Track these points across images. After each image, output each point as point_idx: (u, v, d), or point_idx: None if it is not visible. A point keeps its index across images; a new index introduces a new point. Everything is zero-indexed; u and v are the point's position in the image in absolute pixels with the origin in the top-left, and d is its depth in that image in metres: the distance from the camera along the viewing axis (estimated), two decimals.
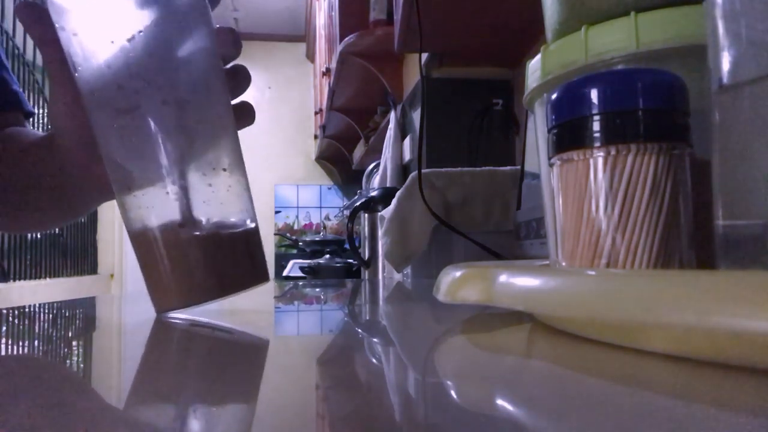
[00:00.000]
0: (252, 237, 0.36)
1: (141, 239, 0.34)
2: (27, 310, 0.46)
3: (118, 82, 0.32)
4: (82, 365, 0.23)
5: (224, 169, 0.34)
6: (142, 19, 0.33)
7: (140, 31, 0.32)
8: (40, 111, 2.74)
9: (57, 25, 0.33)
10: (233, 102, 0.39)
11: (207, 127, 0.34)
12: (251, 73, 0.40)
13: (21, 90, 0.55)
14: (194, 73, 0.34)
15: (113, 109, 0.33)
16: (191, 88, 0.34)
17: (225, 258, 0.34)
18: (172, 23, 0.33)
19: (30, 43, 2.60)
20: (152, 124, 0.33)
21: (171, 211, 0.33)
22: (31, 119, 0.57)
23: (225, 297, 0.33)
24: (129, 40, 0.32)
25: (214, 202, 0.34)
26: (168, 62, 0.33)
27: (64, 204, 0.50)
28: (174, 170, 0.33)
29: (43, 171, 0.47)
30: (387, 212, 0.86)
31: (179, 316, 0.35)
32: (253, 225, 0.36)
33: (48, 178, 0.47)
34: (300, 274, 2.33)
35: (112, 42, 0.32)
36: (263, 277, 0.35)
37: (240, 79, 0.40)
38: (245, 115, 0.41)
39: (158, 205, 0.33)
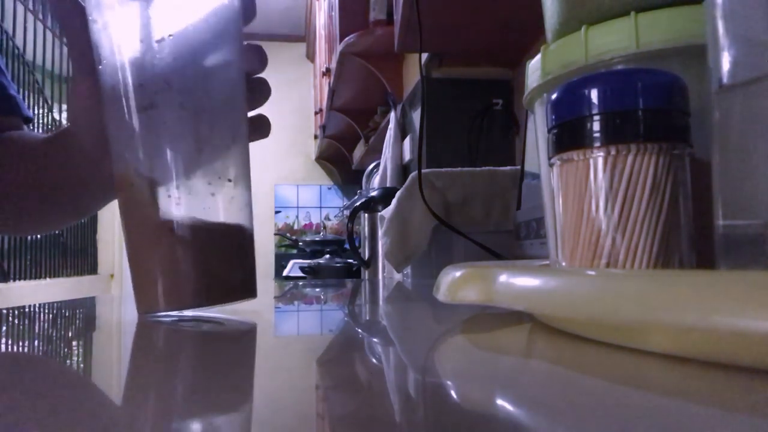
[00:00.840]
0: (246, 252, 0.35)
1: (135, 237, 0.34)
2: (27, 310, 0.46)
3: (139, 80, 0.33)
4: (82, 365, 0.23)
5: (229, 180, 0.35)
6: (174, 24, 0.33)
7: (170, 35, 0.33)
8: (40, 111, 2.74)
9: (89, 17, 0.34)
10: (250, 114, 0.40)
11: (219, 137, 0.34)
12: None
13: (19, 95, 0.55)
14: (216, 83, 0.35)
15: (130, 105, 0.33)
16: (210, 98, 0.34)
17: (216, 268, 0.33)
18: (202, 33, 0.34)
19: (30, 43, 2.60)
20: (166, 125, 0.33)
21: (170, 214, 0.33)
22: (30, 124, 0.57)
23: (209, 307, 0.33)
24: (158, 42, 0.33)
25: (215, 211, 0.34)
26: (192, 69, 0.34)
27: (68, 205, 0.50)
28: (179, 174, 0.33)
29: (45, 173, 0.47)
30: (387, 212, 0.86)
31: (180, 314, 0.34)
32: (249, 240, 0.36)
33: (49, 180, 0.47)
34: (300, 274, 2.33)
35: (141, 41, 0.33)
36: (251, 293, 0.35)
37: (260, 92, 0.41)
38: (261, 128, 0.42)
39: (158, 206, 0.33)
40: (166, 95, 0.33)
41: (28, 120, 0.56)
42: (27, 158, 0.48)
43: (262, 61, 0.40)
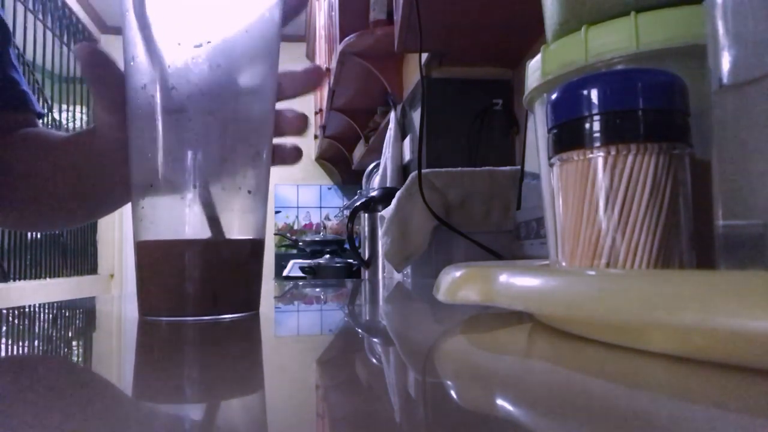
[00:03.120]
0: (254, 265, 0.35)
1: (145, 241, 0.34)
2: (27, 310, 0.46)
3: (173, 82, 0.33)
4: (82, 365, 0.23)
5: (249, 192, 0.35)
6: (214, 31, 0.33)
7: (209, 42, 0.33)
8: None
9: (125, 11, 0.34)
10: (287, 141, 0.41)
11: (245, 148, 0.35)
12: None
13: (30, 91, 0.55)
14: (248, 95, 0.35)
15: (159, 107, 0.33)
16: (240, 109, 0.34)
17: (223, 279, 0.33)
18: (241, 44, 0.34)
19: (30, 43, 2.60)
20: (192, 131, 0.33)
21: (183, 219, 0.33)
22: (41, 119, 0.58)
23: (212, 317, 0.33)
24: (196, 47, 0.33)
25: (229, 221, 0.34)
26: (226, 79, 0.34)
27: (79, 206, 0.50)
28: (198, 180, 0.33)
29: (62, 171, 0.48)
30: (387, 212, 0.86)
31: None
32: (259, 255, 0.36)
33: (66, 178, 0.48)
34: (300, 274, 2.33)
35: (179, 44, 0.33)
36: (254, 307, 0.36)
37: (297, 125, 0.42)
38: (291, 156, 0.44)
39: (172, 210, 0.33)
40: (197, 101, 0.33)
41: (41, 116, 0.56)
42: (45, 155, 0.49)
43: (299, 89, 0.41)
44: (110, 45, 3.44)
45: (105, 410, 0.16)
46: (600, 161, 0.24)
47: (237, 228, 0.34)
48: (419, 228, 0.80)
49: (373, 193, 1.25)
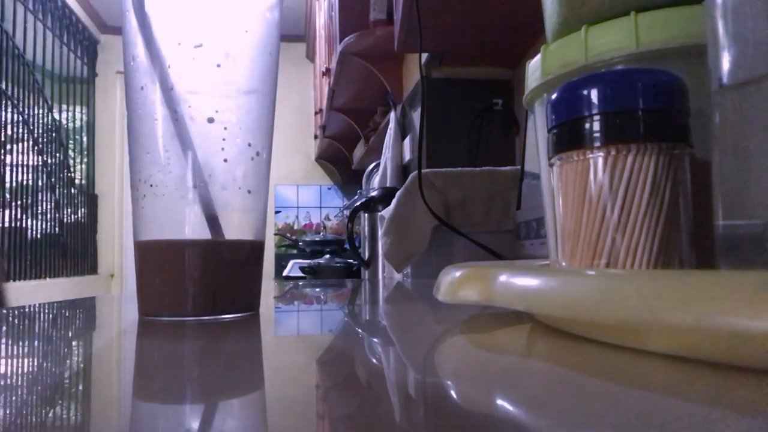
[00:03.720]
0: (254, 265, 0.36)
1: (145, 240, 0.34)
2: (27, 310, 0.46)
3: (173, 82, 0.33)
4: (83, 365, 0.23)
5: (249, 191, 0.35)
6: (214, 31, 0.33)
7: (209, 42, 0.33)
8: (40, 111, 2.74)
9: (126, 11, 0.34)
10: None
11: (245, 148, 0.35)
12: None
13: None
14: (248, 96, 0.35)
15: (159, 108, 0.33)
16: (241, 110, 0.34)
17: (223, 279, 0.34)
18: (241, 44, 0.34)
19: (30, 43, 2.60)
20: (193, 132, 0.33)
21: (183, 219, 0.33)
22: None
23: (212, 316, 0.33)
24: (196, 47, 0.33)
25: (229, 221, 0.34)
26: (226, 79, 0.34)
27: None
28: (198, 179, 0.33)
29: None
30: (387, 212, 0.86)
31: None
32: (258, 256, 0.36)
33: None
34: (300, 274, 2.33)
35: (179, 44, 0.33)
36: (254, 307, 0.36)
37: None
38: None
39: (172, 210, 0.33)
40: (197, 101, 0.33)
41: None
42: None
43: None
44: (110, 45, 3.45)
45: (105, 410, 0.16)
46: (600, 161, 0.24)
47: (237, 228, 0.34)
48: (419, 228, 0.80)
49: (373, 193, 1.25)
